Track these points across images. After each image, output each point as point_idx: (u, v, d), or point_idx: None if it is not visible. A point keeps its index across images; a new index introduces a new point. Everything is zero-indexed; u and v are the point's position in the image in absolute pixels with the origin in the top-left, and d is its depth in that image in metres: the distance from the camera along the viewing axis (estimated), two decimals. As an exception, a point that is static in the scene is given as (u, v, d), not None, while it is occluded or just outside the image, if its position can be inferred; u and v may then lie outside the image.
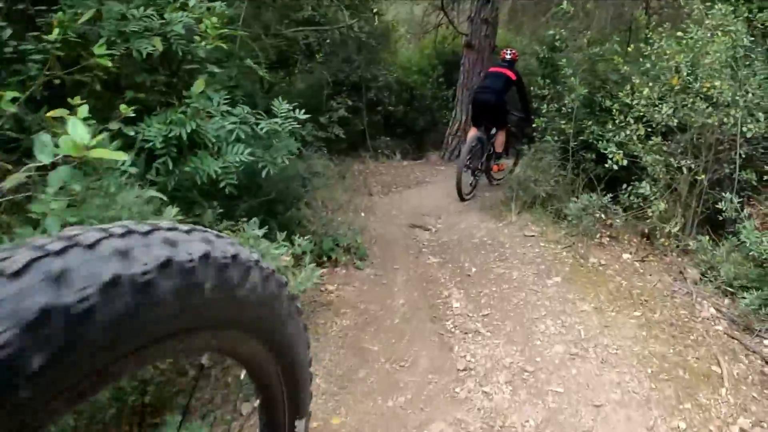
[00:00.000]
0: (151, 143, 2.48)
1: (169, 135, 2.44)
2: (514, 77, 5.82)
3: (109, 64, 2.24)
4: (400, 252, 4.40)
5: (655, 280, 3.67)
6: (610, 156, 4.17)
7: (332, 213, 5.40)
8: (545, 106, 5.21)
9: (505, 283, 3.69)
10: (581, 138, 4.91)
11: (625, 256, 4.08)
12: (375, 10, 6.58)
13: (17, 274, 0.45)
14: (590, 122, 4.88)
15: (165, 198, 2.25)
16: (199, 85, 2.59)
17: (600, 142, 4.56)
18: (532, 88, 5.91)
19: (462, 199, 5.91)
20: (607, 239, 4.32)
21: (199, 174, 2.44)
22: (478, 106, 5.89)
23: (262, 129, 2.69)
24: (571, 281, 3.65)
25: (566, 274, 3.75)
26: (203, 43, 2.65)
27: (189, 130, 2.44)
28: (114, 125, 2.15)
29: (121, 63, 2.50)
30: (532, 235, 4.47)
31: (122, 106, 2.14)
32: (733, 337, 3.05)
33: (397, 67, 10.19)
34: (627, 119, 4.18)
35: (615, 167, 4.17)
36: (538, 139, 5.51)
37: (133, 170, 2.09)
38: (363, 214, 5.41)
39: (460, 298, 3.54)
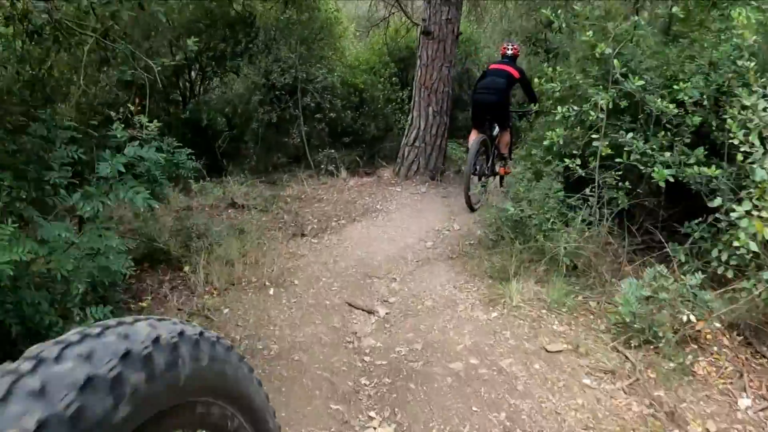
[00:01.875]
0: None
1: None
2: (517, 75, 4.96)
3: None
4: (316, 401, 2.10)
5: None
6: (737, 219, 1.92)
7: (219, 295, 3.08)
8: (558, 111, 2.94)
9: None
10: (618, 160, 2.73)
11: (743, 403, 1.92)
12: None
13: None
14: (629, 135, 2.71)
15: None
16: None
17: (652, 167, 2.42)
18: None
19: (471, 210, 4.90)
20: (700, 358, 2.14)
21: None
22: (479, 108, 5.11)
23: None
24: None
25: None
26: None
27: None
28: None
29: None
30: (559, 351, 2.25)
31: None
32: None
33: (342, 65, 7.91)
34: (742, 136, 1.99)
35: (748, 248, 1.93)
36: (540, 159, 3.31)
37: None
38: (272, 291, 3.11)
39: None
